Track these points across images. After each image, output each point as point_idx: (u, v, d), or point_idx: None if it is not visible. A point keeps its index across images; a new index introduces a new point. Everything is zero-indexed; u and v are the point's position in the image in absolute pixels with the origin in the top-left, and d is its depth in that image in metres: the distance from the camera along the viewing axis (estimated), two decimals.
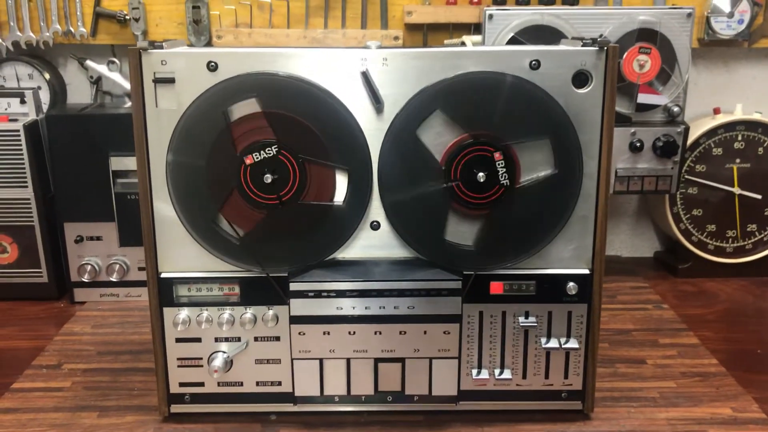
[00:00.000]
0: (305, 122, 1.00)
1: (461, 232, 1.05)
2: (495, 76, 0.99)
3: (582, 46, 1.00)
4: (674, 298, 1.60)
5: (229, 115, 0.99)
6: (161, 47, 0.99)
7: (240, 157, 1.00)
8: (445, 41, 1.60)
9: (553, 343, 1.08)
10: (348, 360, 1.08)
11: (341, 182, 1.03)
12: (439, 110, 1.00)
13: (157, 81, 0.99)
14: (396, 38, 1.61)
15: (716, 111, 1.67)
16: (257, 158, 1.00)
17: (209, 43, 1.63)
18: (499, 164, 1.01)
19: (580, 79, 1.00)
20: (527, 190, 1.02)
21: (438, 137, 1.01)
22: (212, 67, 0.99)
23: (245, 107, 0.99)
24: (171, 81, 0.99)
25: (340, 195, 1.03)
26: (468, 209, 1.03)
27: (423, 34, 1.66)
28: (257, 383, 1.11)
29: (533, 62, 0.99)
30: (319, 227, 1.04)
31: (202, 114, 1.00)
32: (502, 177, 1.01)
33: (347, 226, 1.05)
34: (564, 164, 1.02)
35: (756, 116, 1.63)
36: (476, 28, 1.62)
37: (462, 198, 1.02)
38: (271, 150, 1.00)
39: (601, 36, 1.01)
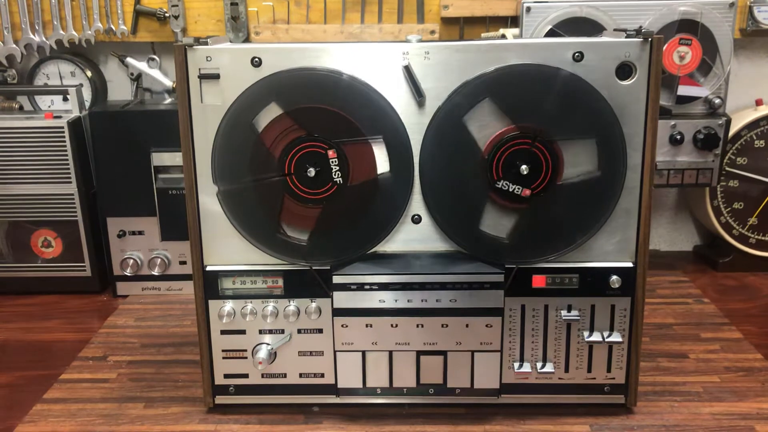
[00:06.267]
0: (347, 116, 1.00)
1: (503, 225, 1.04)
2: (541, 68, 0.99)
3: (626, 37, 1.00)
4: (715, 293, 1.58)
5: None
6: (206, 43, 1.01)
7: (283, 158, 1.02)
8: (482, 34, 1.60)
9: (596, 337, 1.08)
10: (390, 352, 1.09)
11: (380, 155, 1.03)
12: (488, 99, 1.00)
13: (203, 77, 1.00)
14: (432, 32, 1.61)
15: (758, 102, 1.64)
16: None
17: (247, 40, 1.65)
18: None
19: (624, 71, 1.00)
20: (571, 185, 1.02)
21: (482, 129, 1.01)
22: (256, 62, 1.00)
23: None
24: (216, 77, 1.00)
25: (383, 168, 1.03)
26: (510, 202, 1.03)
27: (459, 27, 1.65)
28: (300, 375, 1.12)
29: (576, 54, 0.99)
30: (366, 217, 1.05)
31: (247, 109, 1.01)
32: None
33: (389, 219, 1.05)
34: (608, 158, 1.01)
35: None
36: (513, 21, 1.62)
37: (503, 190, 1.02)
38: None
39: (641, 27, 1.00)
